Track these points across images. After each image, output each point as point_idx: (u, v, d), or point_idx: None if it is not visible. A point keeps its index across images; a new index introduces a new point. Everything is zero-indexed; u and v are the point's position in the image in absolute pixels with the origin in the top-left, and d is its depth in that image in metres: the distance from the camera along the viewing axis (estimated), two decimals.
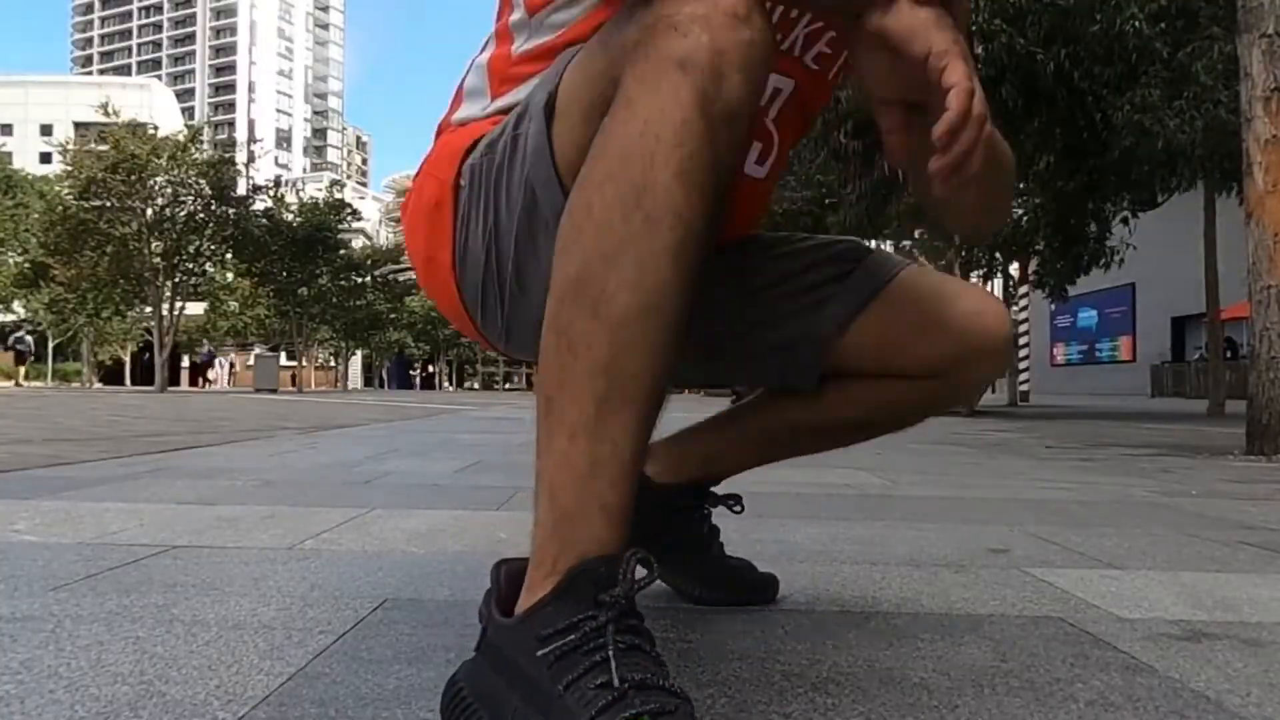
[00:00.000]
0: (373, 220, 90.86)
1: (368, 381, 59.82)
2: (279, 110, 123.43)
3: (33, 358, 34.39)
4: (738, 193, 0.95)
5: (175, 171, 26.01)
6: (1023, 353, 17.11)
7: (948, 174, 0.70)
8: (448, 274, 0.96)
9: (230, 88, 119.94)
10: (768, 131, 1.02)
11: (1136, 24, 9.28)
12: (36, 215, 28.66)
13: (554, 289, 0.70)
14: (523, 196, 0.84)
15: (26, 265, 30.54)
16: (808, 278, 1.08)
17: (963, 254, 13.76)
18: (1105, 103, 10.07)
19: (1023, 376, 18.35)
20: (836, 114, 10.15)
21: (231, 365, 45.18)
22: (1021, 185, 13.17)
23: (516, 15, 0.97)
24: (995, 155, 0.88)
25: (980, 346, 1.03)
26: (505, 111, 0.93)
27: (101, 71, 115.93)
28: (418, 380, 58.24)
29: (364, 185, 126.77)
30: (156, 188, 25.97)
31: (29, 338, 32.74)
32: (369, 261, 38.65)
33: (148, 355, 32.79)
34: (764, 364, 1.11)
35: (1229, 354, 16.90)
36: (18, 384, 28.70)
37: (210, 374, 39.49)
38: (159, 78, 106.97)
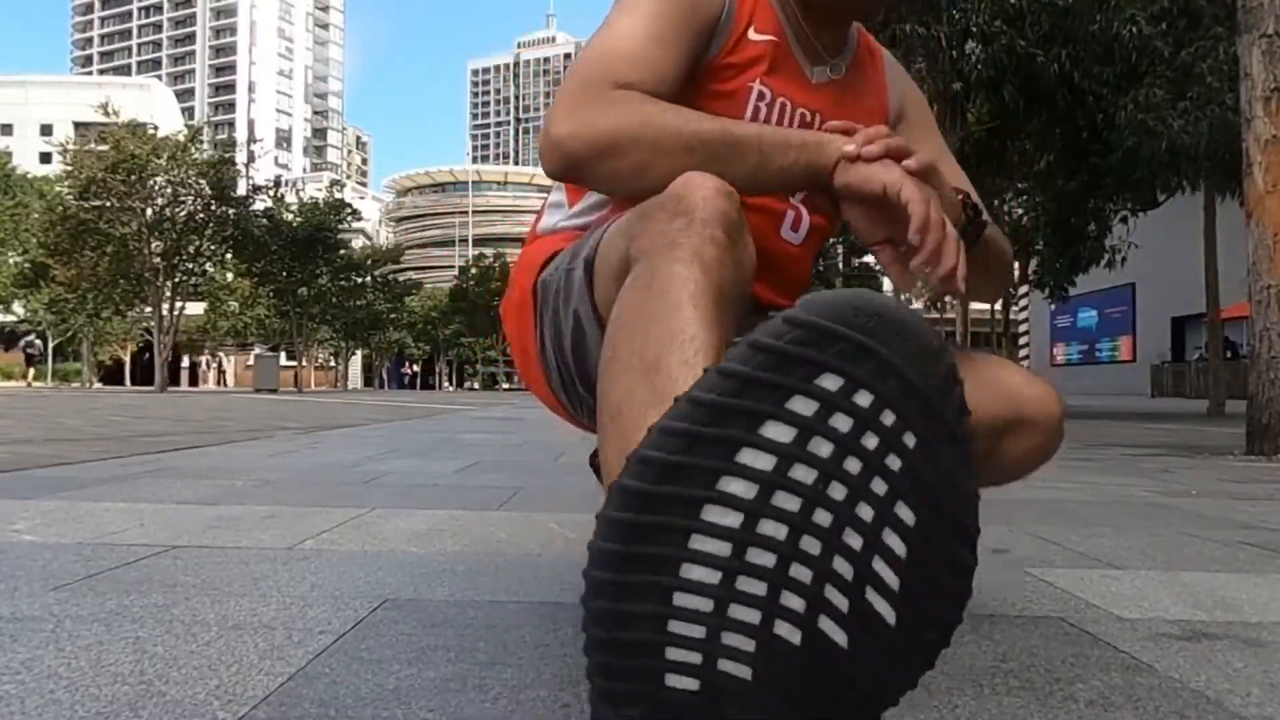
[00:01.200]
0: (373, 220, 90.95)
1: (367, 381, 59.86)
2: (279, 110, 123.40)
3: (42, 360, 34.72)
4: (778, 256, 1.15)
5: (175, 171, 26.03)
6: (1023, 353, 17.10)
7: (923, 267, 0.87)
8: (535, 363, 1.17)
9: (230, 88, 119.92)
10: (795, 206, 1.17)
11: (1135, 27, 9.29)
12: (36, 215, 28.69)
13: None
14: (572, 323, 1.05)
15: (26, 265, 30.58)
16: None
17: None
18: (1106, 102, 10.08)
19: None
20: None
21: (220, 365, 45.31)
22: (1022, 185, 13.20)
23: None
24: (990, 244, 1.11)
25: (1031, 415, 1.04)
26: (577, 220, 1.17)
27: (101, 71, 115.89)
28: (408, 379, 58.29)
29: (364, 185, 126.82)
30: (156, 188, 25.99)
31: (38, 341, 33.06)
32: (369, 261, 38.74)
33: (148, 355, 32.86)
34: None
35: (1229, 354, 16.89)
36: (28, 384, 28.92)
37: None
38: (159, 78, 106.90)
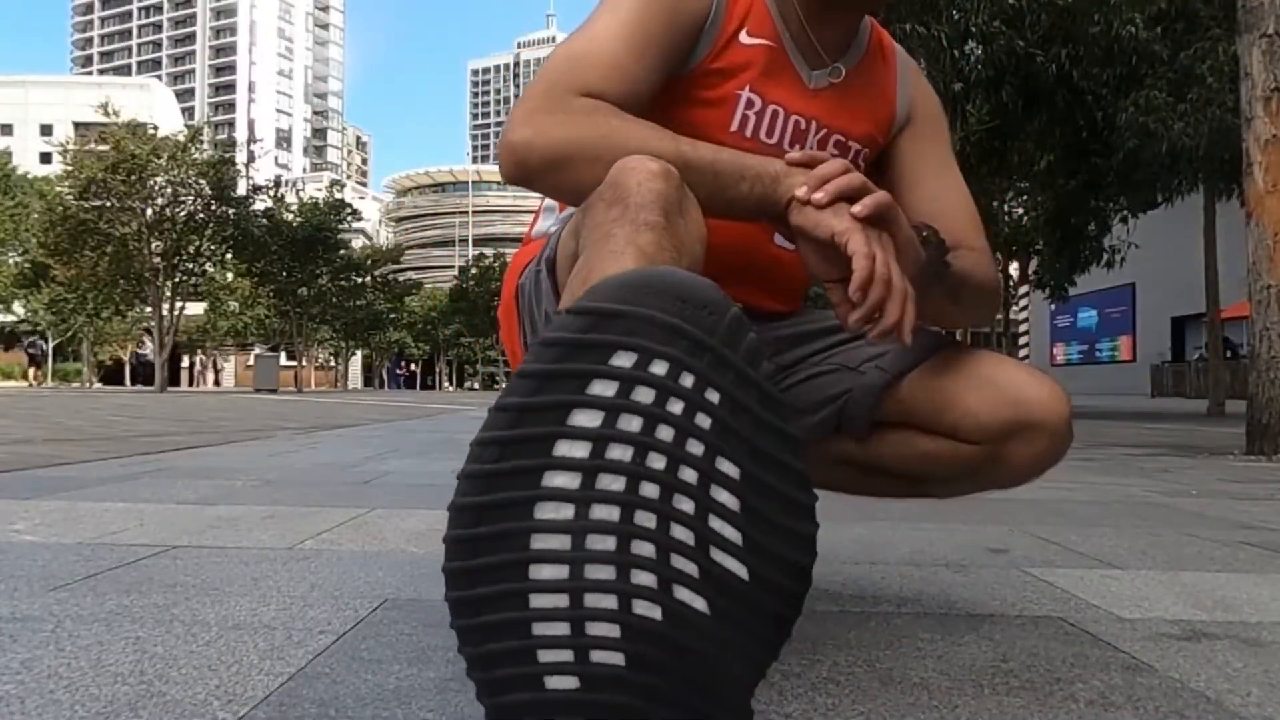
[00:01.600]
0: (373, 220, 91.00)
1: (367, 381, 59.89)
2: (279, 110, 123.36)
3: (44, 360, 35.01)
4: (774, 263, 1.13)
5: (175, 171, 26.00)
6: (1023, 353, 17.10)
7: (862, 323, 0.85)
8: None
9: (230, 88, 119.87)
10: None
11: (1133, 29, 9.28)
12: (36, 215, 28.68)
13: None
14: (545, 323, 1.06)
15: (26, 265, 30.61)
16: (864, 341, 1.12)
17: None
18: (1106, 103, 10.08)
19: None
20: None
21: (215, 364, 45.34)
22: (1022, 185, 13.21)
23: None
24: (960, 278, 1.05)
25: (1035, 418, 1.01)
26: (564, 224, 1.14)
27: (101, 71, 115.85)
28: (403, 379, 58.32)
29: (364, 185, 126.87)
30: (156, 188, 25.96)
31: (42, 342, 33.33)
32: (369, 261, 38.71)
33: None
34: (817, 414, 1.12)
35: (1229, 354, 16.88)
36: (35, 384, 29.12)
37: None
38: (159, 78, 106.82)
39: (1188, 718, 0.87)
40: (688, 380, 0.57)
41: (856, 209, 0.85)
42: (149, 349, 38.99)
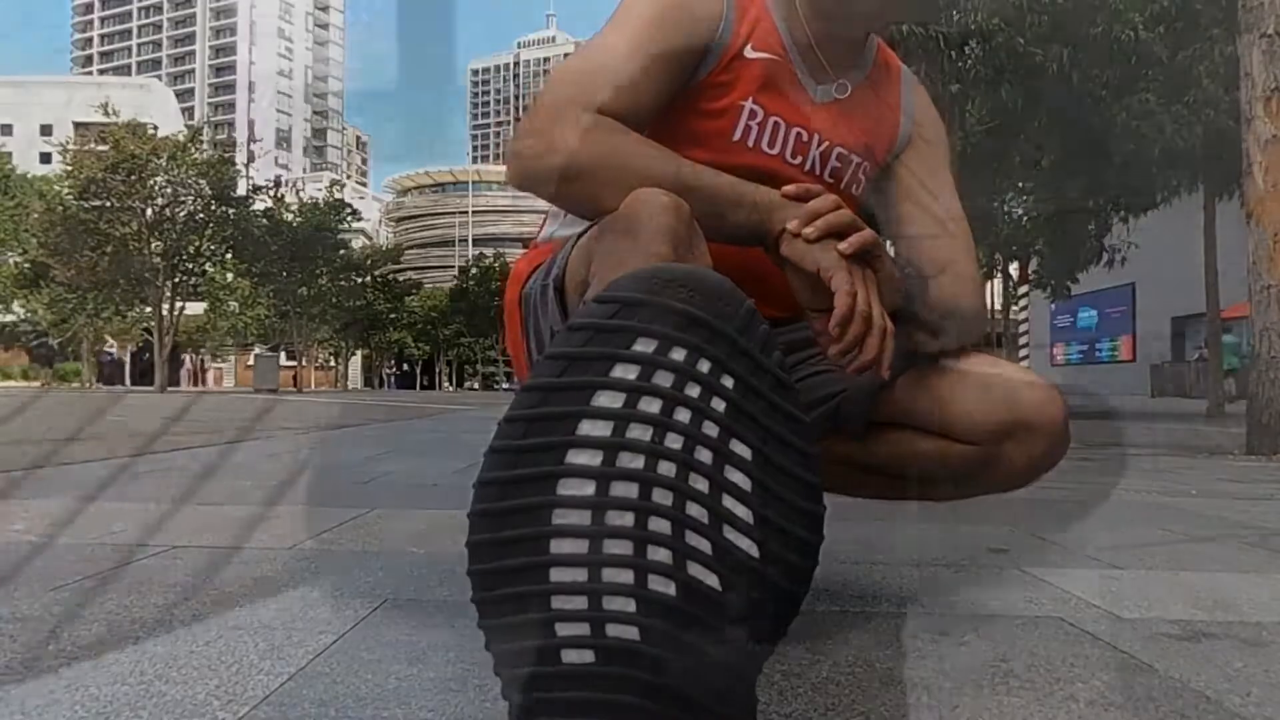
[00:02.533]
0: (372, 220, 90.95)
1: (367, 381, 59.93)
2: (279, 110, 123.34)
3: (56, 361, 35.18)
4: (771, 271, 1.12)
5: (175, 171, 26.05)
6: (1023, 353, 17.09)
7: (840, 356, 0.87)
8: (527, 369, 1.16)
9: (230, 88, 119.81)
10: None
11: (1132, 31, 9.28)
12: (36, 215, 28.69)
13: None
14: (549, 336, 1.05)
15: (26, 265, 30.63)
16: None
17: None
18: (1104, 105, 10.08)
19: None
20: None
21: (204, 364, 45.34)
22: (1022, 184, 13.22)
23: None
24: (943, 309, 1.06)
25: (1031, 420, 1.02)
26: (568, 229, 1.12)
27: (101, 71, 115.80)
28: (395, 378, 58.43)
29: (364, 185, 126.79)
30: (156, 188, 26.01)
31: (53, 343, 33.52)
32: (369, 261, 38.79)
33: (147, 355, 32.99)
34: (812, 413, 1.13)
35: None
36: (44, 385, 29.22)
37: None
38: (159, 78, 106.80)
39: (1188, 718, 0.87)
40: (704, 366, 0.60)
41: (842, 246, 0.89)
42: (111, 345, 39.13)
